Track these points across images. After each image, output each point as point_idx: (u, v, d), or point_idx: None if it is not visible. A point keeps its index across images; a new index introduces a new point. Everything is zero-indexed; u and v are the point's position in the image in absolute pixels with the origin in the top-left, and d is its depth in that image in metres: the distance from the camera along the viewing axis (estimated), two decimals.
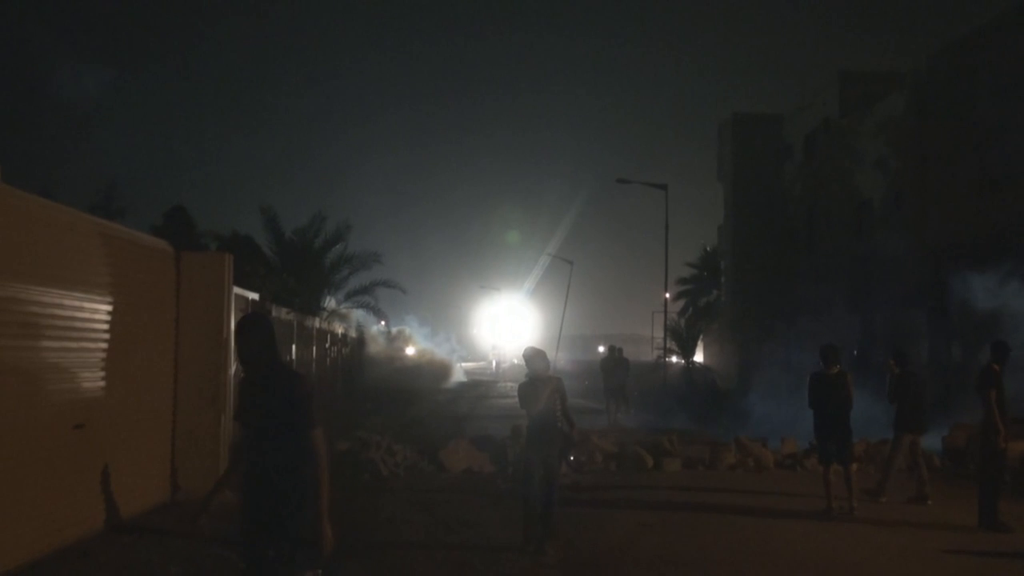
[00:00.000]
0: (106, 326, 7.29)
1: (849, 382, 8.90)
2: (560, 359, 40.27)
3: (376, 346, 29.40)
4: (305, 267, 20.00)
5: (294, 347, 14.33)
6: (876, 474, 10.93)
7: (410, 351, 36.56)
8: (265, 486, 3.65)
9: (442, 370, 37.07)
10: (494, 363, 56.97)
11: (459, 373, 41.93)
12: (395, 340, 33.31)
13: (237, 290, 9.60)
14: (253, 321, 3.81)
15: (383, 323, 29.92)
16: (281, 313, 13.51)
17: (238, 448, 3.86)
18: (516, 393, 7.35)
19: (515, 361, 63.96)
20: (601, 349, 50.09)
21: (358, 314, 24.28)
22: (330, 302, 21.79)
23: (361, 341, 26.31)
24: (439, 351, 40.85)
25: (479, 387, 36.01)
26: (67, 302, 6.72)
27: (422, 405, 23.01)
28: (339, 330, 21.37)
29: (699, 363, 38.27)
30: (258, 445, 3.69)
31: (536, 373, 7.10)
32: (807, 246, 31.77)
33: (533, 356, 7.19)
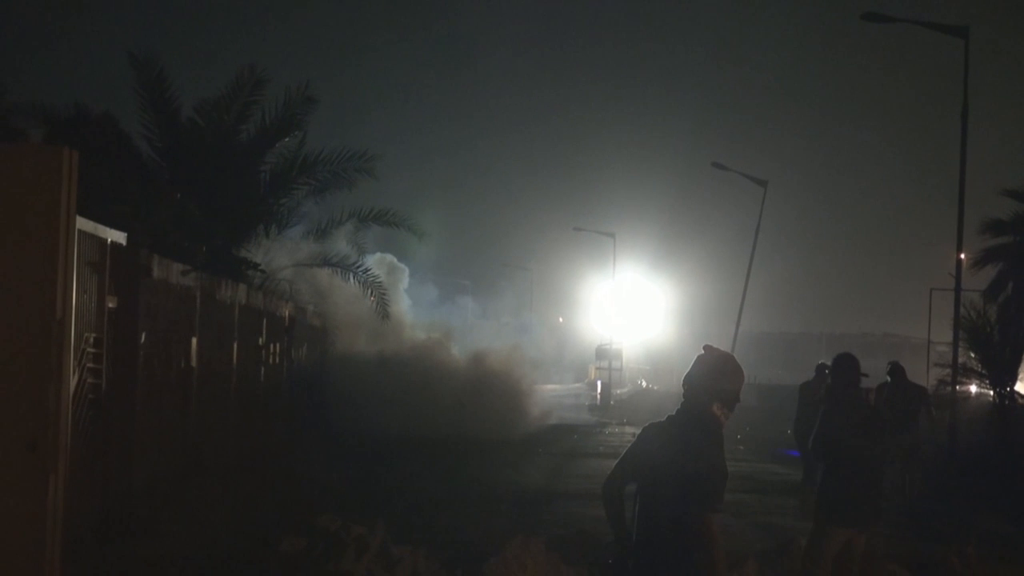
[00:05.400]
0: None
1: None
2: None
3: (355, 335, 23.59)
4: (221, 180, 16.27)
5: (195, 341, 11.65)
6: None
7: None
8: None
9: (508, 393, 27.44)
10: (599, 386, 43.49)
11: (544, 406, 31.23)
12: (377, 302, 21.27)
13: (84, 223, 8.21)
14: None
15: (370, 294, 20.91)
16: (171, 273, 10.75)
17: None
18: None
19: (644, 384, 53.13)
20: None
21: (321, 280, 19.91)
22: (270, 255, 18.06)
23: (324, 331, 21.61)
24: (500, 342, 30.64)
25: (570, 434, 27.98)
26: None
27: (455, 468, 18.08)
28: (286, 311, 17.77)
29: None
30: None
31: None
32: None
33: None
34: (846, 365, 9.78)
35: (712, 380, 5.71)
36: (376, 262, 25.57)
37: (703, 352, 5.83)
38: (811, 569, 8.65)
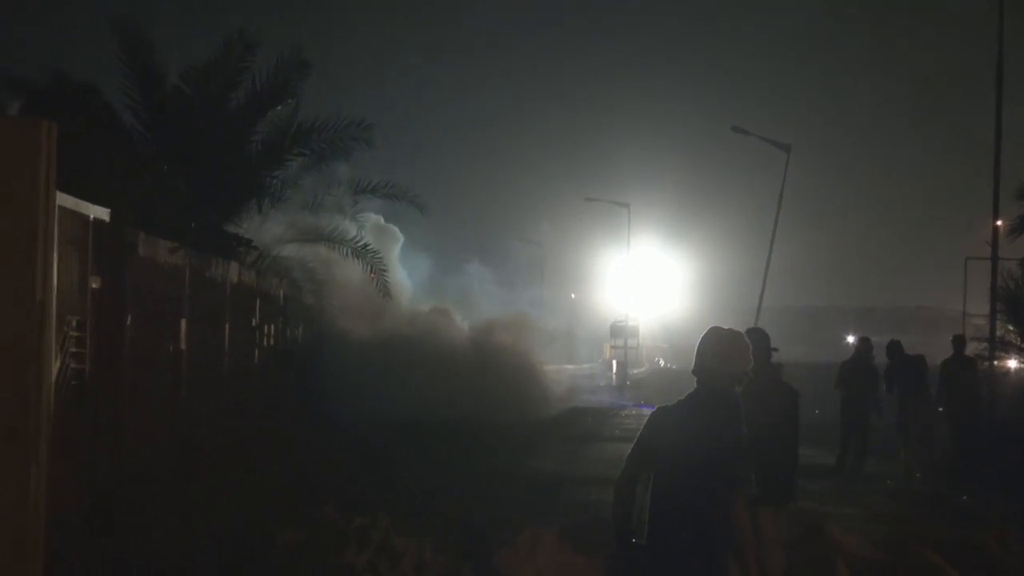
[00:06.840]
0: None
1: None
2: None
3: (353, 313, 22.49)
4: (209, 151, 15.69)
5: (184, 322, 11.55)
6: None
7: None
8: None
9: (518, 369, 26.65)
10: (613, 365, 43.12)
11: (562, 387, 30.30)
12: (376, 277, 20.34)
13: (65, 199, 8.15)
14: None
15: (370, 270, 20.02)
16: (158, 250, 10.71)
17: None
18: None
19: (662, 363, 52.08)
20: (851, 339, 35.42)
21: (317, 256, 19.05)
22: (263, 230, 17.45)
23: (321, 310, 20.99)
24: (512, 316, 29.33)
25: (583, 418, 27.45)
26: None
27: (463, 454, 17.79)
28: (280, 289, 17.33)
29: None
30: None
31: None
32: None
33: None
34: (754, 342, 9.64)
35: (732, 362, 5.87)
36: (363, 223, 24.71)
37: (710, 333, 5.95)
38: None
